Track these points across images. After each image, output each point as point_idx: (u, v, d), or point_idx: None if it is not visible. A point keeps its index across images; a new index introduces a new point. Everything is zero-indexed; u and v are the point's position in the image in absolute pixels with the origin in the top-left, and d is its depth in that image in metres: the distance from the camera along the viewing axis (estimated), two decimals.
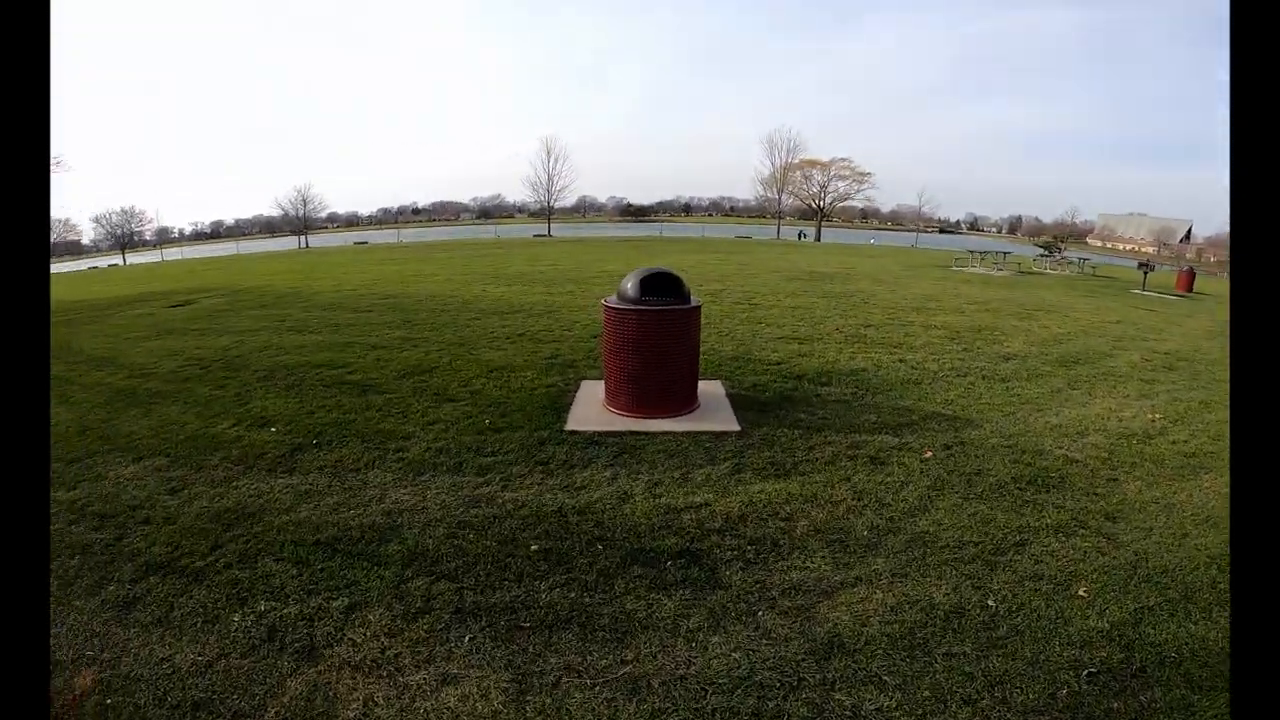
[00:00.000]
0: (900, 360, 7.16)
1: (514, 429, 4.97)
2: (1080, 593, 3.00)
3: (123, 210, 68.20)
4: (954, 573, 3.12)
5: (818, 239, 50.55)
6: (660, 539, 3.44)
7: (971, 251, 22.96)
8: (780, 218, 61.56)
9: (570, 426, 5.01)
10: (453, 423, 5.13)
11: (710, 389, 5.93)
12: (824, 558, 3.27)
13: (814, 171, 59.16)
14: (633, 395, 5.17)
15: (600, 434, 4.85)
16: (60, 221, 64.87)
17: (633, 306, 4.99)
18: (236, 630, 2.80)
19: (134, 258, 60.28)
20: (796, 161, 59.21)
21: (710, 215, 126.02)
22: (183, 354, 8.06)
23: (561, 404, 5.57)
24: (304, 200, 67.87)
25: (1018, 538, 3.48)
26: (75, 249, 75.66)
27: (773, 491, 3.96)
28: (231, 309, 12.15)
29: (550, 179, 62.00)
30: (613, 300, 5.24)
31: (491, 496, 3.92)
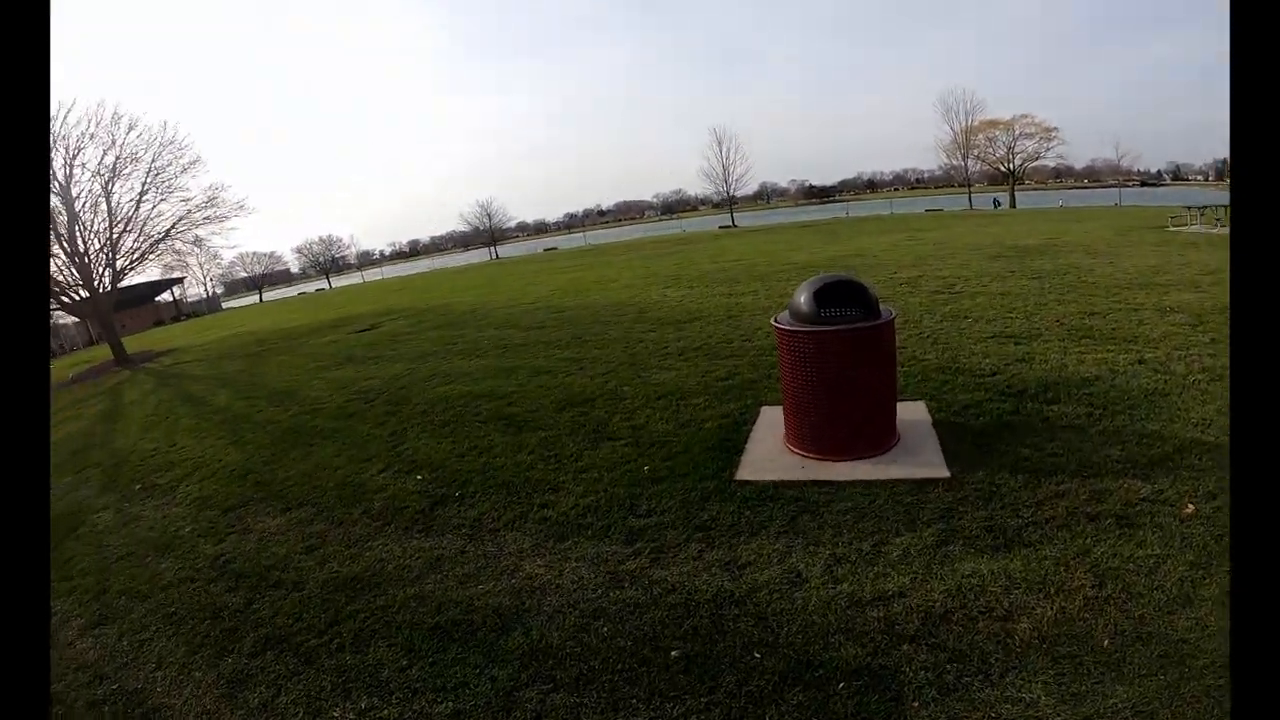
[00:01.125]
0: (1139, 361, 5.82)
1: (676, 478, 4.56)
2: None
3: (321, 239, 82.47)
4: (1219, 711, 2.29)
5: (1012, 205, 49.68)
6: (834, 647, 2.82)
7: (1189, 208, 19.05)
8: (969, 185, 60.88)
9: (741, 475, 4.50)
10: (608, 469, 4.85)
11: (911, 415, 5.15)
12: (1046, 683, 2.49)
13: (997, 133, 59.04)
14: (816, 434, 4.55)
15: (776, 485, 4.29)
16: (267, 255, 78.98)
17: (808, 328, 4.42)
18: None
19: (339, 280, 70.67)
20: (976, 123, 59.33)
21: (895, 189, 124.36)
22: (354, 385, 8.82)
23: (735, 442, 5.06)
24: (488, 215, 76.17)
25: None
26: (286, 277, 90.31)
27: (988, 573, 3.14)
28: (413, 331, 13.35)
29: (726, 169, 64.28)
30: (785, 319, 4.65)
31: (637, 574, 3.53)
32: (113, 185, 17.96)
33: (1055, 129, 57.77)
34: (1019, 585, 3.04)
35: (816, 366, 4.40)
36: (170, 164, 18.54)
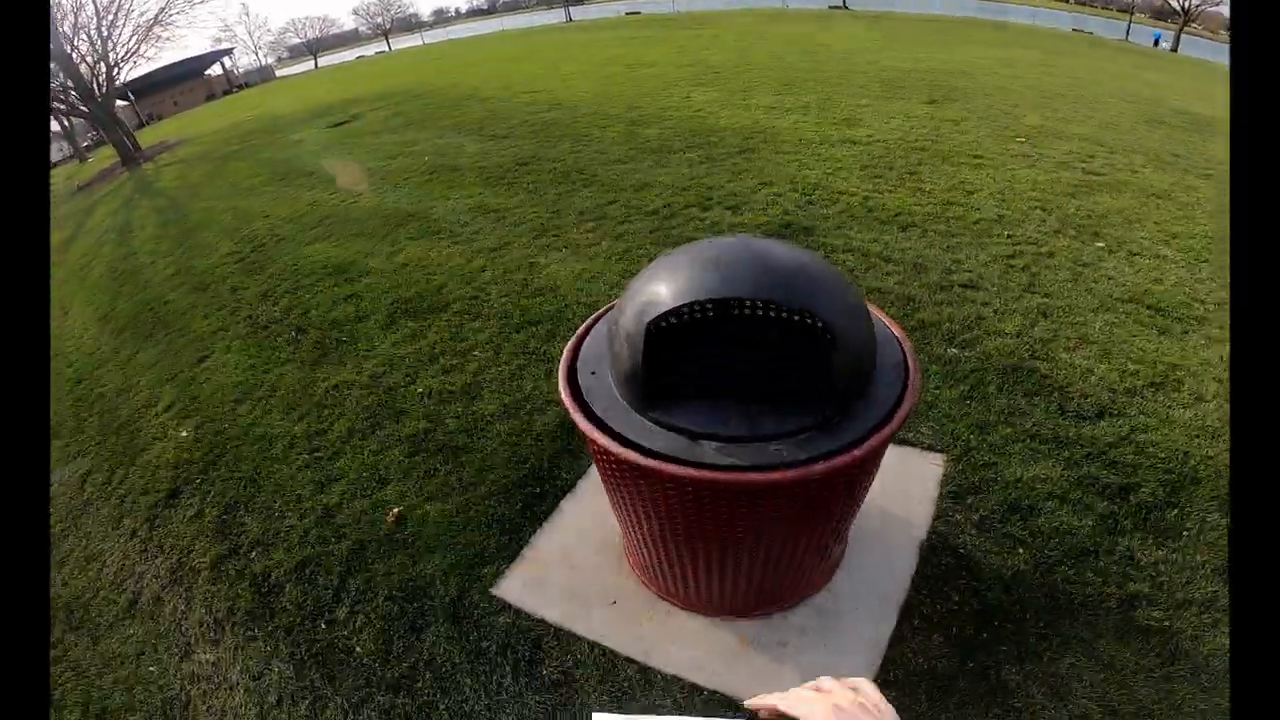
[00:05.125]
0: None
1: (421, 552, 2.77)
2: None
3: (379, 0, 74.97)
4: None
5: (1174, 48, 39.74)
6: None
7: None
8: (1131, 13, 50.22)
9: (505, 588, 2.55)
10: (358, 491, 3.16)
11: (898, 499, 2.68)
12: None
13: None
14: (664, 572, 2.29)
15: (545, 634, 2.36)
16: (319, 19, 74.75)
17: (653, 464, 1.63)
18: None
19: (400, 42, 68.19)
20: None
21: None
22: (246, 228, 7.50)
23: (555, 485, 3.02)
24: None
25: None
26: (354, 37, 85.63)
27: None
28: (379, 130, 11.59)
29: None
30: (596, 373, 1.95)
31: None
32: None
33: None
34: None
35: (676, 531, 1.94)
36: None
